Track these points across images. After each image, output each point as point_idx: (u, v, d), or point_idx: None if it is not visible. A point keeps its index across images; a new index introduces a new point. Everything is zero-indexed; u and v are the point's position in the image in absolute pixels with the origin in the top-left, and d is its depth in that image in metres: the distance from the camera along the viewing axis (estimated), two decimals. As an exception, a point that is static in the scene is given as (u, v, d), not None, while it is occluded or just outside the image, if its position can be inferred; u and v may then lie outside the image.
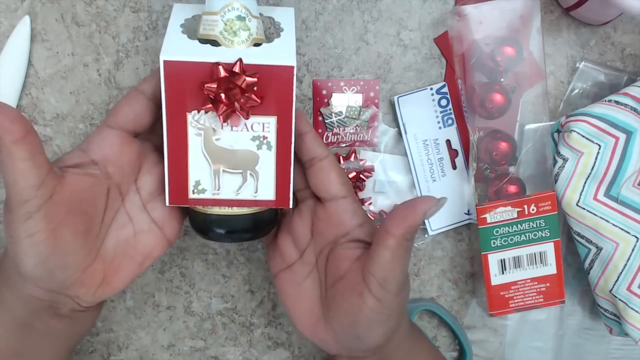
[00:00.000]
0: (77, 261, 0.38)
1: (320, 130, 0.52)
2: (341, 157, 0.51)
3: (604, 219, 0.48)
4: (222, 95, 0.37)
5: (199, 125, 0.38)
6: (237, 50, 0.38)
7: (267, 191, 0.40)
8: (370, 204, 0.52)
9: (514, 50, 0.49)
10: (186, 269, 0.53)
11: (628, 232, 0.48)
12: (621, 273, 0.49)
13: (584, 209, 0.49)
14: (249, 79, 0.37)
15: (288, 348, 0.54)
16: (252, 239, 0.43)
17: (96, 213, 0.39)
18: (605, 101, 0.48)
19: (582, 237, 0.50)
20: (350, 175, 0.51)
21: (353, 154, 0.52)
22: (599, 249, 0.49)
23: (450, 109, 0.52)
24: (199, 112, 0.38)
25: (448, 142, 0.52)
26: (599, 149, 0.48)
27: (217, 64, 0.37)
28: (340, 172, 0.41)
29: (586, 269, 0.51)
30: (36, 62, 0.51)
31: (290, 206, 0.41)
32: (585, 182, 0.49)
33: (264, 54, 0.38)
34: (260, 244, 0.53)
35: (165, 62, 0.37)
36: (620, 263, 0.48)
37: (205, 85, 0.37)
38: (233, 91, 0.37)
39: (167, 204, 0.40)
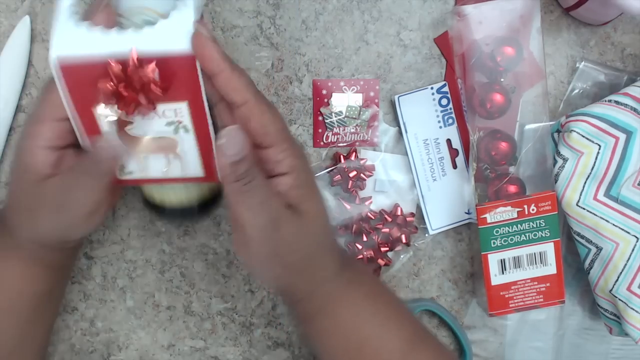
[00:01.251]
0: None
1: (320, 130, 0.52)
2: (342, 157, 0.51)
3: (604, 219, 0.48)
4: (122, 91, 0.35)
5: (108, 117, 0.37)
6: (129, 35, 0.35)
7: (194, 169, 0.40)
8: (370, 203, 0.52)
9: (514, 50, 0.49)
10: (186, 269, 0.53)
11: (628, 232, 0.48)
12: (621, 273, 0.49)
13: (584, 209, 0.49)
14: (147, 74, 0.35)
15: (288, 348, 0.54)
16: (198, 221, 0.52)
17: None
18: (605, 101, 0.49)
19: (582, 237, 0.50)
20: (351, 175, 0.51)
21: (354, 153, 0.52)
22: (599, 249, 0.49)
23: (450, 108, 0.52)
24: (105, 105, 0.37)
25: (448, 141, 0.52)
26: (599, 149, 0.48)
27: (109, 60, 0.34)
28: (262, 120, 0.36)
29: (586, 269, 0.51)
30: (36, 62, 0.51)
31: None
32: (585, 182, 0.49)
33: (159, 39, 0.34)
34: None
35: (58, 58, 0.35)
36: (620, 263, 0.48)
37: (99, 83, 0.35)
38: (132, 85, 0.35)
39: None
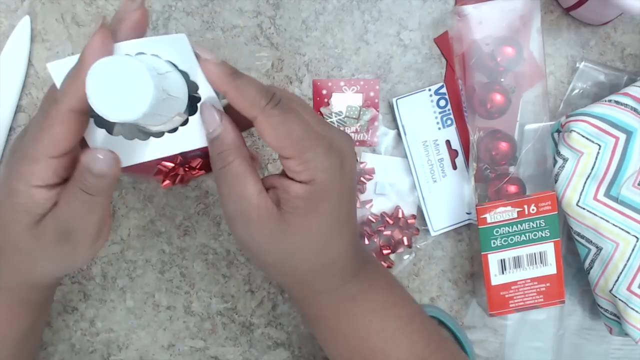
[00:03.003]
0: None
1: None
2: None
3: (604, 219, 0.48)
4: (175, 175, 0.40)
5: None
6: (167, 139, 0.36)
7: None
8: (371, 206, 0.52)
9: (514, 50, 0.49)
10: (186, 269, 0.53)
11: (628, 232, 0.48)
12: (621, 273, 0.49)
13: (584, 209, 0.49)
14: (193, 165, 0.39)
15: (288, 348, 0.54)
16: None
17: None
18: (605, 101, 0.48)
19: (582, 237, 0.50)
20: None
21: (353, 154, 0.52)
22: (599, 249, 0.49)
23: (449, 110, 0.52)
24: None
25: (448, 142, 0.52)
26: (599, 149, 0.48)
27: (161, 164, 0.38)
28: (275, 134, 0.34)
29: (586, 269, 0.51)
30: (36, 62, 0.51)
31: None
32: (585, 182, 0.49)
33: (194, 135, 0.36)
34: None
35: None
36: (620, 263, 0.48)
37: (155, 177, 0.39)
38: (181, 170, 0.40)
39: None
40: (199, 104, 0.35)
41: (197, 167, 0.39)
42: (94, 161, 0.33)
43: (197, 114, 0.35)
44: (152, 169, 0.39)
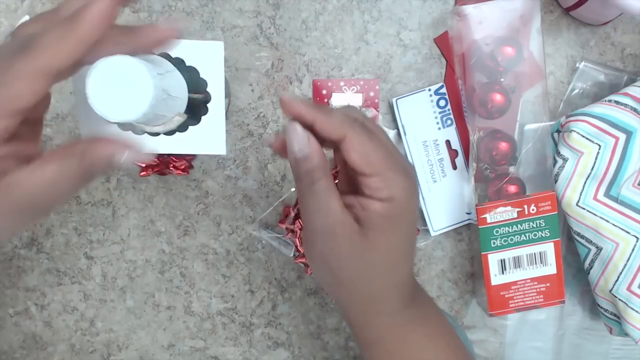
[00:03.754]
0: None
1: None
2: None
3: (604, 219, 0.48)
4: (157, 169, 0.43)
5: None
6: (161, 138, 0.36)
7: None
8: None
9: (514, 50, 0.49)
10: (186, 269, 0.53)
11: (628, 232, 0.48)
12: (621, 273, 0.49)
13: (584, 209, 0.49)
14: (179, 165, 0.42)
15: (288, 348, 0.54)
16: None
17: None
18: (605, 101, 0.48)
19: (582, 237, 0.50)
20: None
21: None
22: (599, 249, 0.49)
23: (449, 110, 0.52)
24: None
25: (448, 142, 0.52)
26: (599, 149, 0.48)
27: (152, 158, 0.41)
28: (363, 150, 0.36)
29: (586, 269, 0.51)
30: (36, 62, 0.51)
31: None
32: (585, 182, 0.49)
33: (192, 141, 0.37)
34: (260, 244, 0.53)
35: None
36: (620, 263, 0.48)
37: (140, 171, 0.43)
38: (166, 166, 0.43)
39: None
40: (285, 123, 0.36)
41: (181, 168, 0.42)
42: (121, 156, 0.30)
43: (200, 124, 0.36)
44: None
